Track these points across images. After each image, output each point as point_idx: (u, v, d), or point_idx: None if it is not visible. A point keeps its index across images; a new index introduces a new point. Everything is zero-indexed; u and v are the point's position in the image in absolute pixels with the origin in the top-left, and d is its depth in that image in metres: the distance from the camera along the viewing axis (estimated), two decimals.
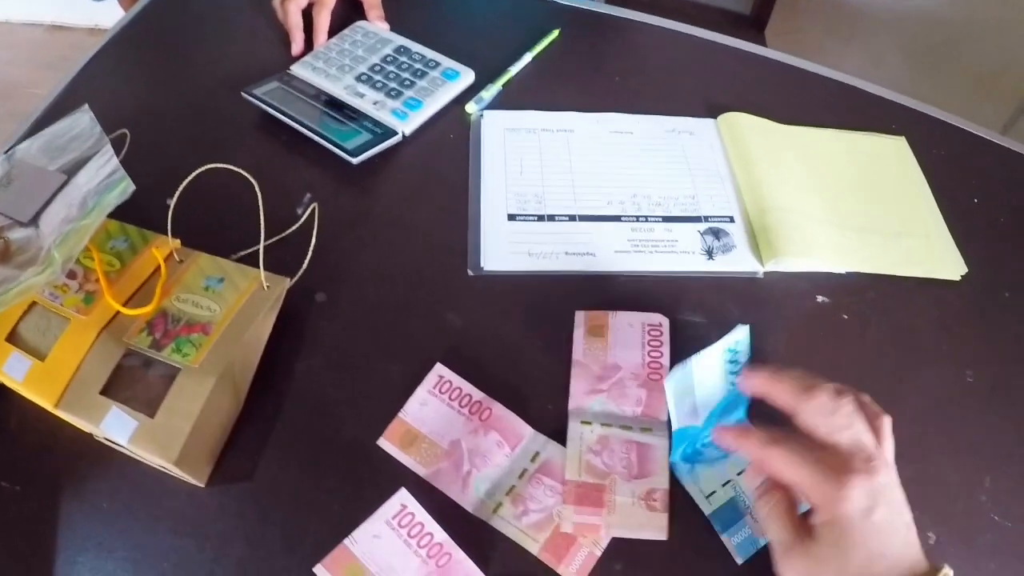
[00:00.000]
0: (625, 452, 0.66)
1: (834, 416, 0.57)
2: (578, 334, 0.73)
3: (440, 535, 0.59)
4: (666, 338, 0.73)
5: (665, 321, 0.74)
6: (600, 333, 0.73)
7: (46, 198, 0.77)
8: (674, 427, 0.65)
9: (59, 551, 0.62)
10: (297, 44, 1.00)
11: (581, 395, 0.70)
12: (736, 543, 0.63)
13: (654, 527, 0.63)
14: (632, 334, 0.73)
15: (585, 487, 0.64)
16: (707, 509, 0.65)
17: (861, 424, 0.57)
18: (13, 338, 0.67)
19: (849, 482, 0.53)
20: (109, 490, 0.65)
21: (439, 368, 0.70)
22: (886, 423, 0.60)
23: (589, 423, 0.68)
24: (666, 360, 0.72)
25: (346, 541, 0.59)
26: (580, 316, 0.75)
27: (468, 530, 0.62)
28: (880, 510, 0.54)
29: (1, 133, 2.56)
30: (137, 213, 0.75)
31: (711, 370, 0.65)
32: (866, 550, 0.53)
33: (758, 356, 0.72)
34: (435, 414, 0.68)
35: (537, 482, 0.65)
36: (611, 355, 0.72)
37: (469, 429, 0.67)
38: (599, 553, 0.62)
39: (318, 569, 0.59)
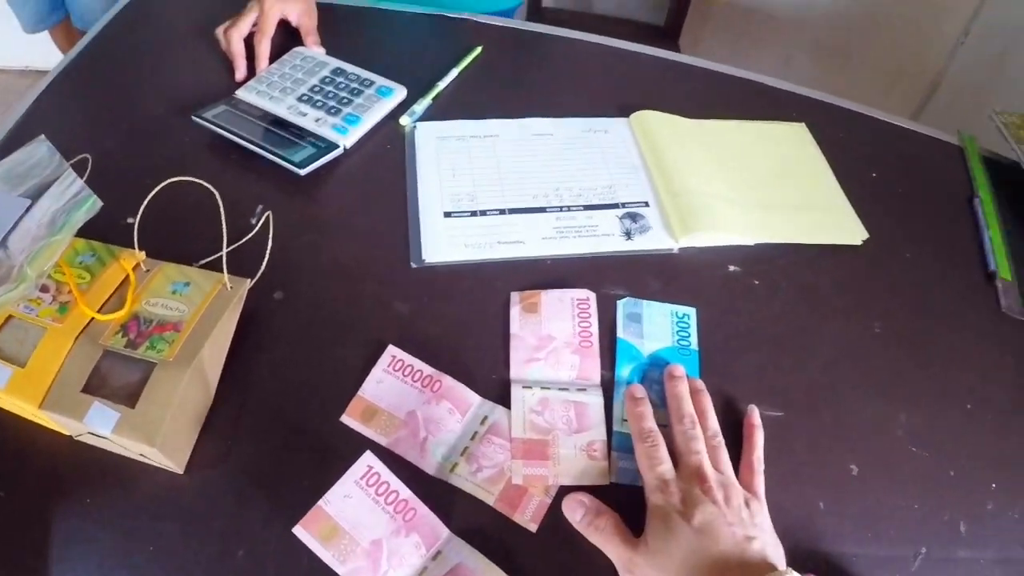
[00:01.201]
0: (564, 411, 0.73)
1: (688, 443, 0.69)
2: (514, 311, 0.80)
3: (405, 492, 0.65)
4: (593, 310, 0.80)
5: (592, 295, 0.81)
6: (534, 309, 0.80)
7: (12, 222, 0.80)
8: (618, 335, 0.76)
9: (48, 547, 0.65)
10: (240, 71, 1.06)
11: (521, 364, 0.77)
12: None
13: (596, 473, 0.69)
14: (562, 308, 0.80)
15: (531, 443, 0.71)
16: (616, 427, 0.73)
17: (705, 455, 0.68)
18: None
19: (670, 487, 0.65)
20: (91, 485, 0.68)
21: (391, 349, 0.76)
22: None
23: (530, 387, 0.75)
24: (595, 329, 0.79)
25: (320, 502, 0.64)
26: (515, 296, 0.82)
27: (429, 489, 0.67)
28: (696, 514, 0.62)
29: None
30: (100, 233, 0.80)
31: (659, 315, 0.79)
32: (687, 543, 0.61)
33: None
34: (390, 390, 0.74)
35: (488, 442, 0.71)
36: (544, 327, 0.79)
37: (423, 400, 0.73)
38: (549, 501, 0.68)
39: (297, 530, 0.63)
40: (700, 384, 0.75)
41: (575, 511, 0.66)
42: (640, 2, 2.19)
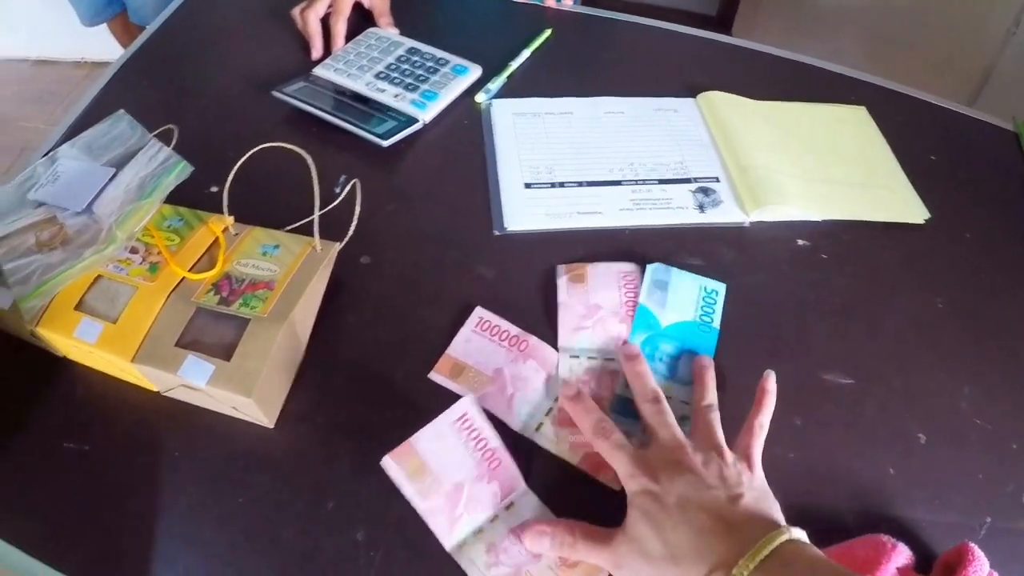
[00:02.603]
0: (611, 381, 0.74)
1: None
2: (561, 281, 0.80)
3: (495, 441, 0.66)
4: (639, 282, 0.80)
5: (637, 268, 0.82)
6: (580, 280, 0.80)
7: (98, 188, 0.83)
8: (640, 300, 0.76)
9: (136, 499, 0.66)
10: (316, 50, 1.08)
11: (569, 331, 0.77)
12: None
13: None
14: (608, 280, 0.80)
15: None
16: (618, 390, 0.74)
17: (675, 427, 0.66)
18: (81, 307, 0.73)
19: (642, 465, 0.62)
20: (179, 439, 0.70)
21: (479, 311, 0.78)
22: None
23: (577, 357, 0.75)
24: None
25: (411, 439, 0.65)
26: (561, 268, 0.82)
27: (512, 443, 0.68)
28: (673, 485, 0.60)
29: None
30: (186, 202, 0.82)
31: (687, 287, 0.78)
32: (669, 521, 0.58)
33: (750, 291, 0.82)
34: (478, 349, 0.75)
35: None
36: (592, 297, 0.79)
37: (510, 359, 0.74)
38: None
39: (385, 461, 0.64)
40: (707, 361, 0.73)
41: (540, 543, 0.62)
42: None
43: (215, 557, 0.63)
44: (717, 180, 0.94)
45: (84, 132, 0.95)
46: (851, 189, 0.95)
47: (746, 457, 0.64)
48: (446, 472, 0.65)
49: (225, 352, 0.68)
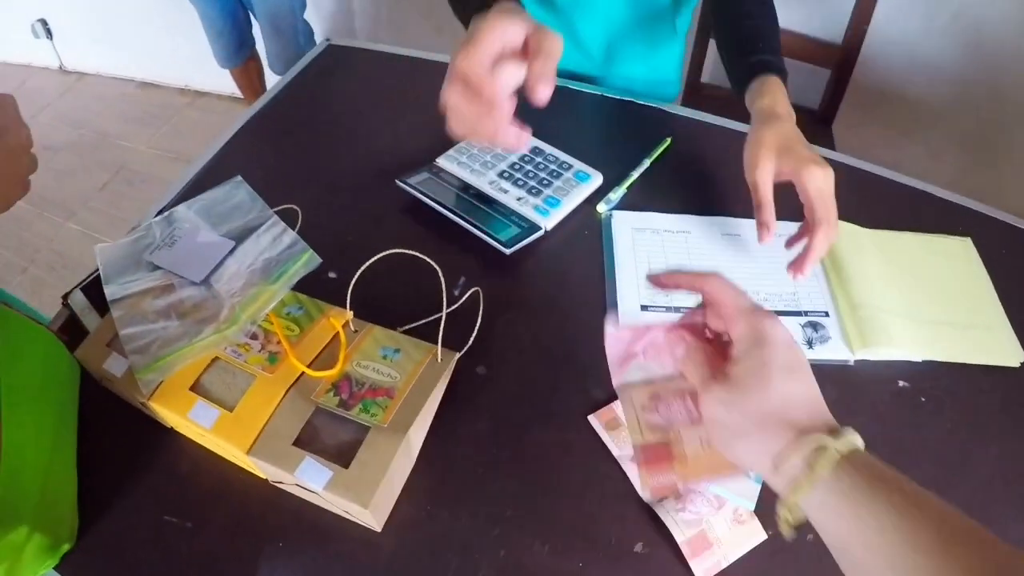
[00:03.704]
0: (680, 400, 0.63)
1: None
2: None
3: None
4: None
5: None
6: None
7: (217, 261, 0.85)
8: None
9: None
10: (511, 139, 0.72)
11: (617, 367, 0.66)
12: None
13: (729, 467, 0.61)
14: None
15: (651, 448, 0.62)
16: None
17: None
18: (196, 389, 0.74)
19: (773, 317, 0.55)
20: (285, 530, 0.71)
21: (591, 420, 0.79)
22: None
23: (636, 385, 0.65)
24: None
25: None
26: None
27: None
28: (797, 352, 0.55)
29: (91, 180, 2.70)
30: (301, 284, 0.83)
31: None
32: (784, 384, 0.53)
33: None
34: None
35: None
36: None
37: None
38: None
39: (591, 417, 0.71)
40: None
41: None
42: (795, 86, 2.20)
43: None
44: (826, 315, 0.93)
45: (201, 195, 0.96)
46: (953, 330, 0.95)
47: None
48: None
49: (343, 458, 0.69)
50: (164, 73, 3.18)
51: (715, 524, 0.72)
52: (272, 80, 2.68)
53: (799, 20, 2.18)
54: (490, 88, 0.67)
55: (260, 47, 2.47)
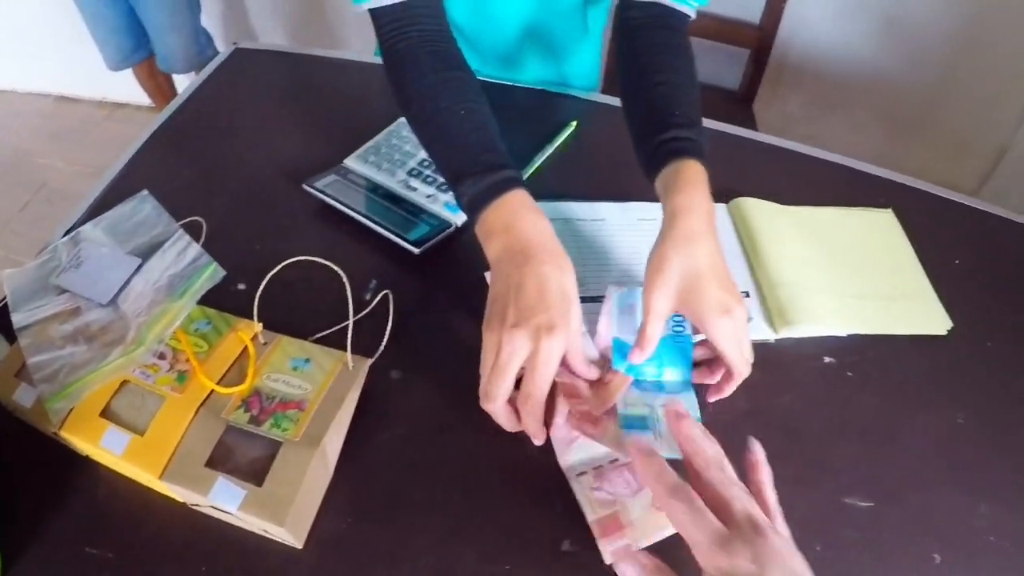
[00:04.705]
0: (619, 475, 0.74)
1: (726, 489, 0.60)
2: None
3: None
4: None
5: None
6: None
7: (123, 280, 0.84)
8: (613, 334, 0.77)
9: None
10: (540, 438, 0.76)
11: (564, 448, 0.76)
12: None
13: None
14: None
15: (604, 520, 0.71)
16: (621, 409, 0.76)
17: (748, 499, 0.60)
18: (106, 414, 0.73)
19: (734, 546, 0.55)
20: (205, 553, 0.69)
21: None
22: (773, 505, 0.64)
23: (584, 473, 0.75)
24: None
25: None
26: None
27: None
28: (771, 572, 0.54)
29: (11, 201, 2.64)
30: (210, 297, 0.83)
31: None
32: None
33: (777, 413, 0.84)
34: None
35: (619, 469, 0.75)
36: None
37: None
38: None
39: None
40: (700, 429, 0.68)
41: (628, 570, 0.63)
42: (716, 68, 2.26)
43: None
44: (747, 295, 0.94)
45: (107, 213, 0.95)
46: (877, 302, 0.96)
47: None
48: None
49: (256, 477, 0.68)
50: (80, 86, 3.13)
51: (630, 507, 0.73)
52: (181, 81, 2.65)
53: (716, 2, 2.22)
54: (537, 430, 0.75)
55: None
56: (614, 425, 0.75)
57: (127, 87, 2.69)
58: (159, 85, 2.57)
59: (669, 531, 0.71)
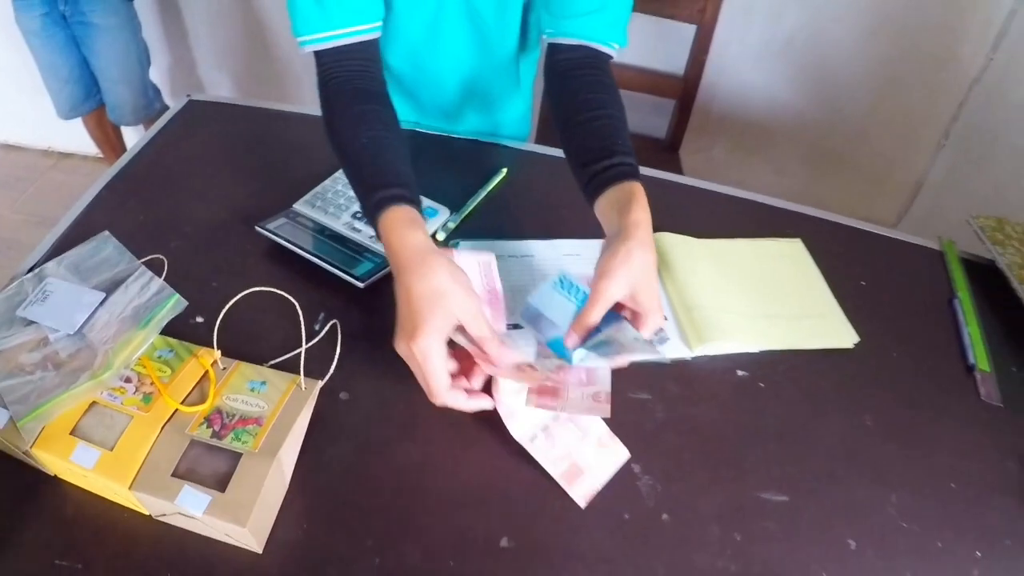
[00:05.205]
0: (564, 428, 0.88)
1: None
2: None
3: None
4: (496, 272, 0.95)
5: (493, 257, 0.96)
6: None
7: (89, 312, 0.90)
8: (544, 341, 0.90)
9: None
10: (485, 404, 0.87)
11: (510, 422, 0.87)
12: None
13: (600, 411, 0.84)
14: (470, 268, 0.92)
15: (565, 473, 0.85)
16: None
17: None
18: (76, 433, 0.78)
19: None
20: (170, 562, 0.75)
21: None
22: None
23: (536, 437, 0.87)
24: (499, 287, 0.94)
25: None
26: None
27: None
28: None
29: None
30: (170, 329, 0.89)
31: (550, 298, 0.91)
32: None
33: (694, 421, 0.92)
34: None
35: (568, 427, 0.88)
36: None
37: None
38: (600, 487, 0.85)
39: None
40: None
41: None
42: (643, 117, 2.35)
43: None
44: (664, 319, 1.03)
45: (69, 252, 1.00)
46: (787, 321, 1.06)
47: None
48: None
49: (219, 484, 0.74)
50: (26, 135, 3.13)
51: (583, 452, 0.85)
52: (129, 134, 2.70)
53: (642, 54, 2.31)
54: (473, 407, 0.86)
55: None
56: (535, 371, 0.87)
57: (74, 137, 2.70)
58: (107, 136, 2.60)
59: (620, 463, 0.87)
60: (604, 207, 0.95)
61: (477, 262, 0.92)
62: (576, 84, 1.06)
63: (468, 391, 0.86)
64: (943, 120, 2.42)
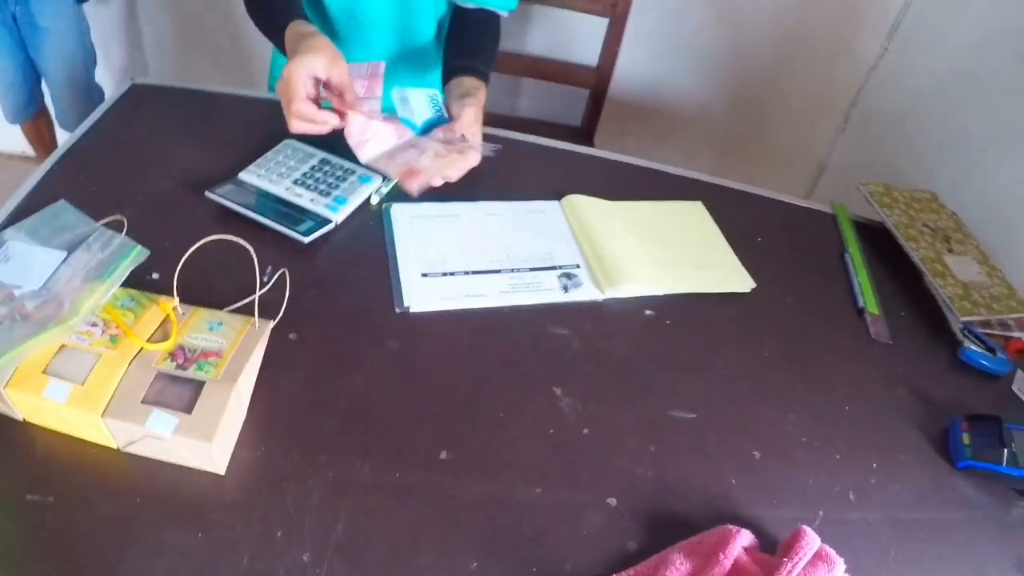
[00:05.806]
0: (403, 151, 1.21)
1: None
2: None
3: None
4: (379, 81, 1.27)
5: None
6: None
7: (52, 269, 0.93)
8: (399, 114, 1.23)
9: (100, 542, 0.75)
10: (333, 122, 1.15)
11: (361, 151, 1.20)
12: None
13: (452, 167, 1.18)
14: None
15: (404, 173, 1.17)
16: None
17: None
18: (48, 372, 0.82)
19: None
20: (139, 488, 0.80)
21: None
22: None
23: (380, 158, 1.20)
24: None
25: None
26: None
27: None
28: None
29: None
30: (127, 284, 0.94)
31: (423, 97, 1.25)
32: None
33: (608, 352, 1.02)
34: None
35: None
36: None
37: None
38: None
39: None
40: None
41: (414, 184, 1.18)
42: (559, 106, 2.48)
43: None
44: (578, 266, 1.16)
45: (26, 219, 1.02)
46: (689, 268, 1.18)
47: None
48: None
49: (186, 407, 0.81)
50: None
51: (420, 161, 1.17)
52: (63, 134, 2.66)
53: (558, 47, 2.40)
54: (321, 119, 1.13)
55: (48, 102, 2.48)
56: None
57: (15, 138, 2.70)
58: (42, 135, 2.60)
59: (458, 171, 1.18)
60: (453, 85, 1.32)
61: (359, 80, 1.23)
62: (467, 21, 1.40)
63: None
64: (842, 106, 2.54)
